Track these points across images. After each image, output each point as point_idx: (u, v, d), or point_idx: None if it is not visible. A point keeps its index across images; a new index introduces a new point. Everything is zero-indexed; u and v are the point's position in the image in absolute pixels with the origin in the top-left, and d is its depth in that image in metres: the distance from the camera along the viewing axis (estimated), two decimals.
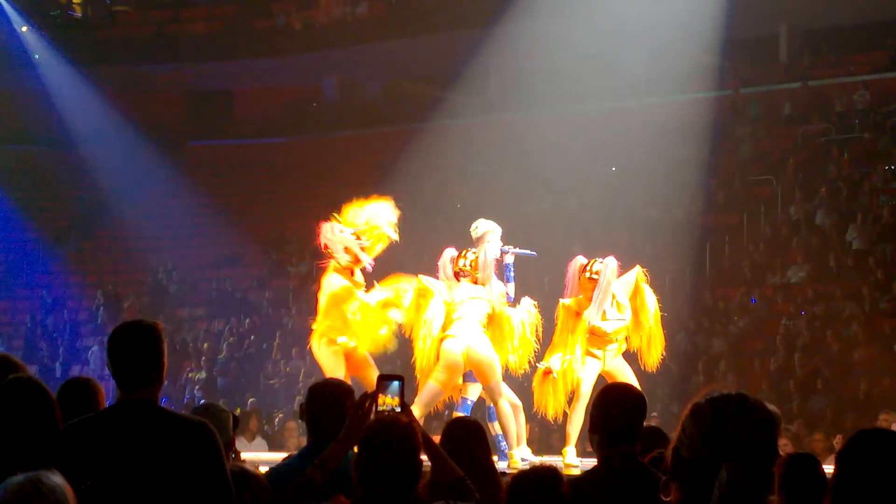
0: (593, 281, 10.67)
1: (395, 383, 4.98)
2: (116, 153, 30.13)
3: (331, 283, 10.82)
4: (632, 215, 23.89)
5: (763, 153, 25.44)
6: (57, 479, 3.55)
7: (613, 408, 5.15)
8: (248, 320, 25.24)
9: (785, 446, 11.42)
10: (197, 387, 23.14)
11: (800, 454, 5.35)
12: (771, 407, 6.94)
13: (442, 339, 10.42)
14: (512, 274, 11.16)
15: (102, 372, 23.95)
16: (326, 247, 10.91)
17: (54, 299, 28.11)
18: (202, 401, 18.70)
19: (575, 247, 22.00)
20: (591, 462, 5.36)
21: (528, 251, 11.42)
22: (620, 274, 10.90)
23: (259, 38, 32.81)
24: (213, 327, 25.67)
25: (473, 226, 11.24)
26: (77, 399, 5.83)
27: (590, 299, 10.70)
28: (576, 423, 10.60)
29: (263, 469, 5.93)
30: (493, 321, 10.55)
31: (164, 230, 29.55)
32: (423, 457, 4.61)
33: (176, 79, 33.27)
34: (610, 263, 10.73)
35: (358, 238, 10.93)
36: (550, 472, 4.89)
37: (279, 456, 8.48)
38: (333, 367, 10.59)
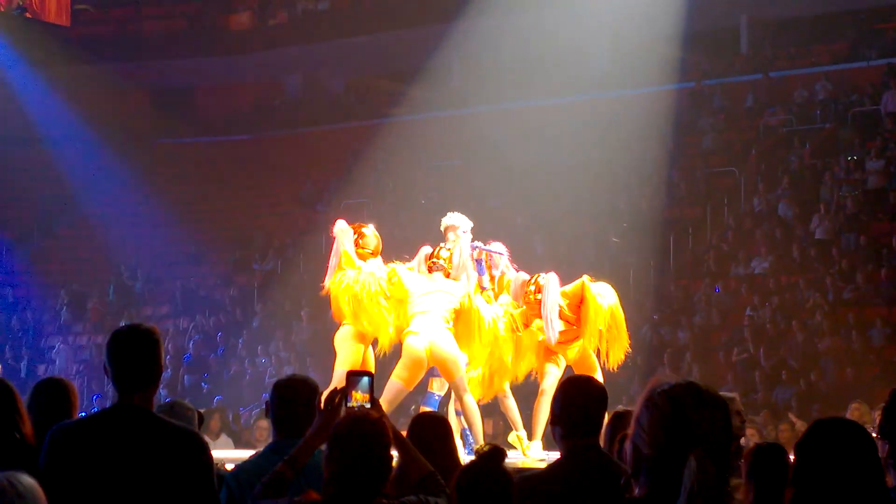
0: (538, 299, 10.69)
1: (365, 379, 4.98)
2: (80, 151, 29.98)
3: None
4: (596, 208, 23.93)
5: (725, 144, 25.54)
6: (29, 479, 3.55)
7: (574, 399, 5.17)
8: (213, 318, 25.17)
9: (752, 437, 11.49)
10: (162, 385, 23.02)
11: (766, 443, 5.39)
12: (730, 395, 6.99)
13: (405, 336, 10.41)
14: (484, 266, 11.20)
15: (69, 371, 23.86)
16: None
17: (18, 298, 27.96)
18: (167, 399, 18.63)
19: (536, 240, 22.08)
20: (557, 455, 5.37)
21: (497, 251, 11.33)
22: (564, 283, 10.93)
23: (221, 36, 32.73)
24: (179, 325, 25.60)
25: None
26: (52, 399, 5.83)
27: (535, 314, 10.74)
28: (541, 417, 10.62)
29: (229, 466, 5.94)
30: (460, 316, 10.54)
31: (129, 228, 29.40)
32: (394, 452, 4.62)
33: (138, 77, 33.14)
34: (551, 280, 10.73)
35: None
36: (492, 452, 4.90)
37: (245, 454, 8.47)
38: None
